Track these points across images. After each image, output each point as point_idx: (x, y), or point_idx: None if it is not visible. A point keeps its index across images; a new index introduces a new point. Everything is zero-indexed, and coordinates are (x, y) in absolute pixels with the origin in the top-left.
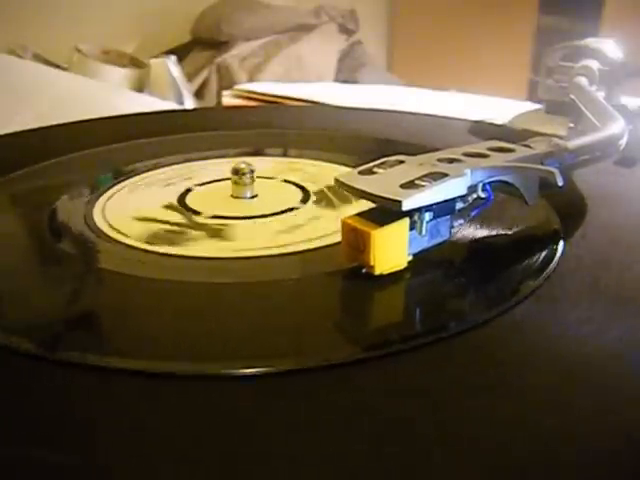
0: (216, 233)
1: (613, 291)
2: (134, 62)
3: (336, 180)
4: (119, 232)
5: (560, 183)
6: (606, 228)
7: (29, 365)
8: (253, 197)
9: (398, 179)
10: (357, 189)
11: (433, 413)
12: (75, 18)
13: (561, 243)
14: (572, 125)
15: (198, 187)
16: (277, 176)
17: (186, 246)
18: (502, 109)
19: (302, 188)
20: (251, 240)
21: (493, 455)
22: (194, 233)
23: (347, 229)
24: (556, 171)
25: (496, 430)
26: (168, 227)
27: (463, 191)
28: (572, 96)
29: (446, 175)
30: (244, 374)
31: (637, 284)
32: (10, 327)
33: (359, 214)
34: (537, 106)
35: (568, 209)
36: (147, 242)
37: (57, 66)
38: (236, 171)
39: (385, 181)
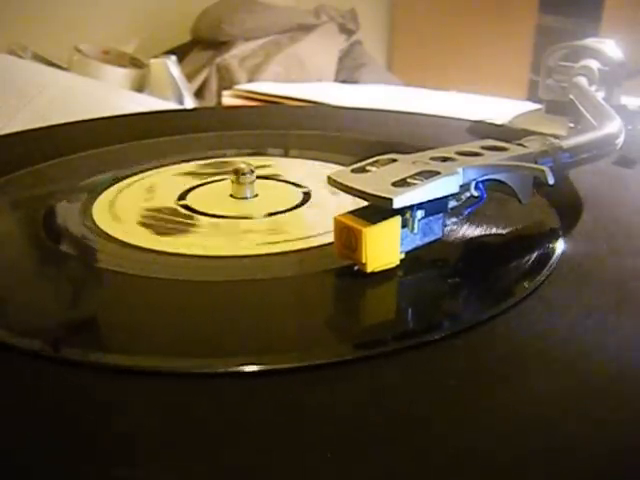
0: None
1: (612, 291)
2: (134, 62)
3: (329, 178)
4: (118, 231)
5: (550, 182)
6: (606, 228)
7: (30, 364)
8: (253, 197)
9: (390, 177)
10: (349, 187)
11: (428, 413)
12: (75, 18)
13: (560, 243)
14: (572, 125)
15: (198, 187)
16: (277, 176)
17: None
18: (502, 109)
19: (302, 188)
20: (246, 238)
21: (491, 456)
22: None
23: (339, 227)
24: (546, 169)
25: (494, 431)
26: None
27: (455, 189)
28: (571, 96)
29: (438, 173)
30: (236, 371)
31: (637, 283)
32: (11, 326)
33: (351, 212)
34: (537, 106)
35: (567, 208)
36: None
37: (57, 66)
38: (236, 171)
39: (377, 179)
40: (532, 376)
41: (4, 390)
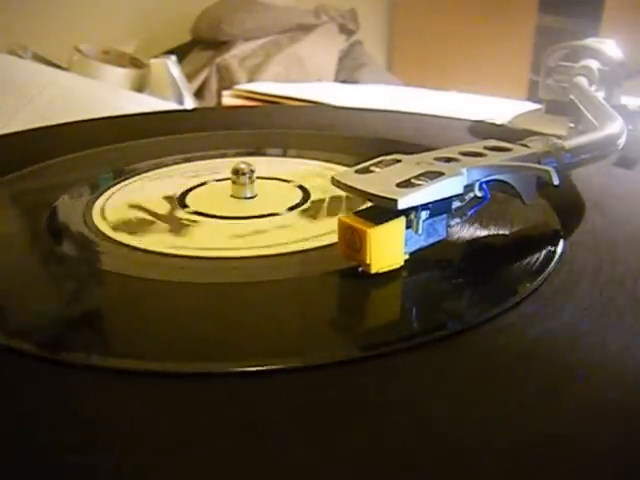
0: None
1: (613, 292)
2: (134, 62)
3: (333, 179)
4: (117, 232)
5: (556, 182)
6: (606, 228)
7: (29, 366)
8: (253, 197)
9: (394, 178)
10: (353, 188)
11: (431, 413)
12: (75, 18)
13: (561, 243)
14: (572, 125)
15: (198, 187)
16: (278, 176)
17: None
18: (502, 109)
19: (303, 189)
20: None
21: (491, 457)
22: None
23: (343, 227)
24: (552, 170)
25: (493, 432)
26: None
27: (459, 190)
28: (572, 96)
29: (442, 174)
30: (241, 372)
31: (637, 284)
32: (10, 327)
33: (356, 212)
34: (537, 106)
35: (568, 209)
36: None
37: (57, 66)
38: (236, 171)
39: (381, 180)
40: (534, 376)
41: (4, 391)
